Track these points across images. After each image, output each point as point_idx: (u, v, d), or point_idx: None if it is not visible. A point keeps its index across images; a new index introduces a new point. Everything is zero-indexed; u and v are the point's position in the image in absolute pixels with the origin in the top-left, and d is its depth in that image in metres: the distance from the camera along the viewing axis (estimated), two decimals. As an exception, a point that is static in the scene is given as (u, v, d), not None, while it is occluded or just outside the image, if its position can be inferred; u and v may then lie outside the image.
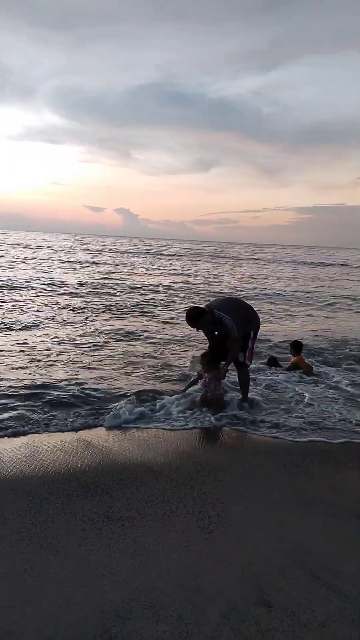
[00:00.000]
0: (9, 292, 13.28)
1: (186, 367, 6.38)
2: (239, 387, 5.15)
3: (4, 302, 11.57)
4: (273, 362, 6.62)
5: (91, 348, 7.28)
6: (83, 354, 6.89)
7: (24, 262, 24.47)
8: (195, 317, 4.70)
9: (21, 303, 11.52)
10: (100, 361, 6.52)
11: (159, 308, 12.00)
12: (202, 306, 4.90)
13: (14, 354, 6.63)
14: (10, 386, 5.09)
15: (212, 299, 5.34)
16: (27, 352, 6.76)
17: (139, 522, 2.74)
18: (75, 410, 4.55)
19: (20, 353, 6.71)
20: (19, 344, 7.28)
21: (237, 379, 5.18)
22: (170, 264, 31.96)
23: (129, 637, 1.92)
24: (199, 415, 4.55)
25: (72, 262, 27.52)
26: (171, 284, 18.28)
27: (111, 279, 18.81)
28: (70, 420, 4.29)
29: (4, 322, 8.91)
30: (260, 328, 5.16)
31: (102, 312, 10.96)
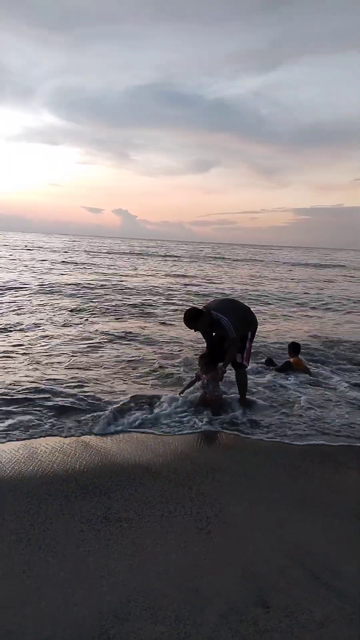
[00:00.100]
0: (7, 293, 13.25)
1: (183, 368, 6.37)
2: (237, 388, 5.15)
3: (1, 303, 11.55)
4: (270, 363, 6.64)
5: (89, 350, 7.27)
6: (81, 355, 6.88)
7: (22, 264, 24.45)
8: (193, 318, 4.70)
9: (18, 305, 11.50)
10: (98, 363, 6.51)
11: (156, 309, 12.00)
12: (199, 307, 4.91)
13: (11, 356, 6.61)
14: (7, 389, 5.06)
15: (210, 300, 5.34)
16: (24, 354, 6.75)
17: (137, 523, 2.74)
18: (74, 414, 4.47)
19: (18, 355, 6.70)
20: (15, 345, 7.27)
21: (234, 380, 5.18)
22: (167, 265, 31.97)
23: (127, 638, 1.92)
24: (197, 417, 4.54)
25: (69, 263, 27.51)
26: (168, 285, 18.28)
27: (108, 280, 18.80)
28: (69, 425, 4.19)
29: (0, 324, 8.89)
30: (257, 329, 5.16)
31: (100, 313, 10.95)
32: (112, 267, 26.40)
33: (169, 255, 44.98)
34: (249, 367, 5.22)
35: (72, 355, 6.78)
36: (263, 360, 6.84)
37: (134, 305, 12.36)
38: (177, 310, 11.83)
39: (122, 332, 8.72)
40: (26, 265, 23.51)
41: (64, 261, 28.57)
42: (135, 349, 7.50)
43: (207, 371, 4.90)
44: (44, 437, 3.93)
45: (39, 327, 8.85)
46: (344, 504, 3.11)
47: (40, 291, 14.11)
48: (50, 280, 17.05)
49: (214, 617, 2.04)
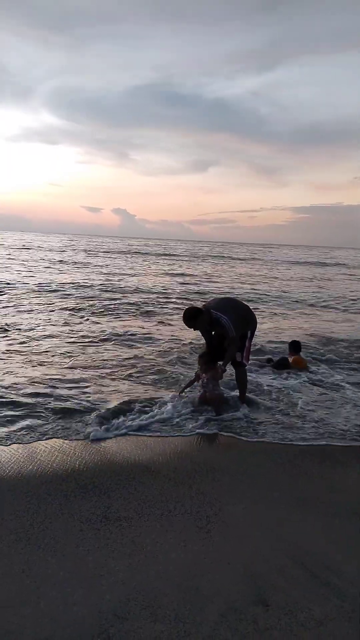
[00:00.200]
0: (6, 293, 13.23)
1: (182, 367, 6.37)
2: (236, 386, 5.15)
3: (0, 302, 11.54)
4: (270, 361, 6.66)
5: (88, 349, 7.26)
6: (80, 355, 6.87)
7: (20, 263, 24.41)
8: (192, 317, 4.69)
9: (17, 304, 11.49)
10: (98, 362, 6.50)
11: (155, 308, 11.99)
12: (199, 306, 4.90)
13: (11, 356, 6.61)
14: (7, 389, 5.04)
15: (209, 299, 5.34)
16: (24, 354, 6.74)
17: (136, 522, 2.74)
18: (74, 414, 4.43)
19: (18, 355, 6.69)
20: (15, 345, 7.26)
21: (234, 379, 5.18)
22: (166, 264, 31.95)
23: (126, 637, 1.92)
24: (197, 416, 4.54)
25: (68, 262, 27.47)
26: (167, 284, 18.27)
27: (107, 279, 18.78)
28: (69, 427, 4.15)
29: None
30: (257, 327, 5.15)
31: (100, 313, 10.94)
32: (111, 266, 26.37)
33: (168, 254, 44.94)
34: (248, 366, 5.22)
35: (72, 355, 6.78)
36: (264, 357, 6.88)
37: (133, 304, 12.35)
38: (176, 309, 11.82)
39: (122, 331, 8.72)
40: (25, 265, 23.49)
41: (61, 260, 28.54)
42: (135, 348, 7.49)
43: (207, 370, 4.90)
44: (44, 440, 3.88)
45: (39, 326, 8.84)
46: (344, 503, 3.11)
47: (40, 290, 14.09)
48: (49, 280, 17.03)
49: (214, 616, 2.05)
